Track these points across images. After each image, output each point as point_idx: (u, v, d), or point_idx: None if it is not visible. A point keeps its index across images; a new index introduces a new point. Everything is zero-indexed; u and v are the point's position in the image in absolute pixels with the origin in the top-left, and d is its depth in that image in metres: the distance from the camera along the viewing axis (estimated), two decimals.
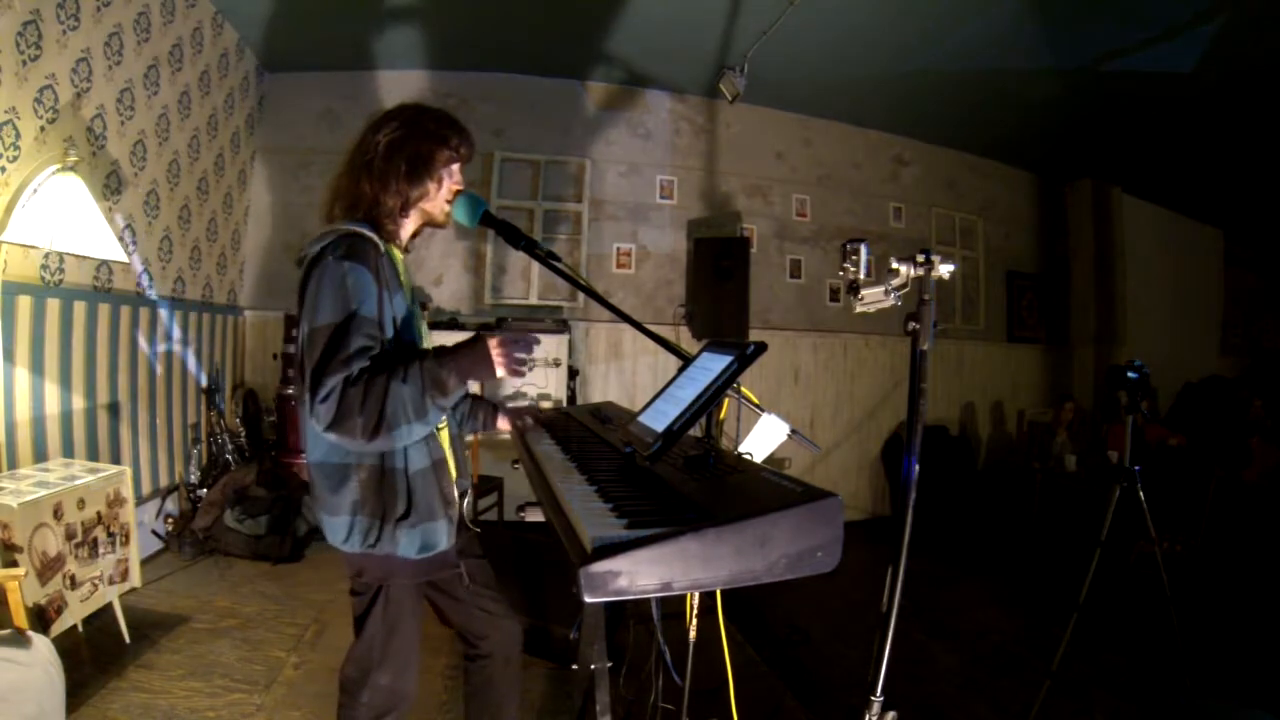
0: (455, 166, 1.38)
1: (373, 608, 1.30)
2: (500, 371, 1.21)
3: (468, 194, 1.40)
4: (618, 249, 4.99)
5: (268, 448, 4.22)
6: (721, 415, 1.48)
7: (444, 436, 1.39)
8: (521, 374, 1.24)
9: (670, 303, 5.01)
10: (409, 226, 1.38)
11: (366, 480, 1.23)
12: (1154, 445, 4.29)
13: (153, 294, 3.47)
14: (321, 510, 1.27)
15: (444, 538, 1.29)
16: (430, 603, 1.47)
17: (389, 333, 1.23)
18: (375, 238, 1.25)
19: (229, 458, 3.93)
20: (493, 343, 1.21)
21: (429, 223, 1.40)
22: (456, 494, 1.37)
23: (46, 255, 2.68)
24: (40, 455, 2.66)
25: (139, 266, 3.36)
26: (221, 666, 2.39)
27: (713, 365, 1.22)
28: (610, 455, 1.34)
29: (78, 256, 2.74)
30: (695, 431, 1.20)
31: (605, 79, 4.93)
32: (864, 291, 1.11)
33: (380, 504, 1.23)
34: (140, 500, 3.29)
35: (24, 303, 2.59)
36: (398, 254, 1.36)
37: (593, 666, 1.70)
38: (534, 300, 4.79)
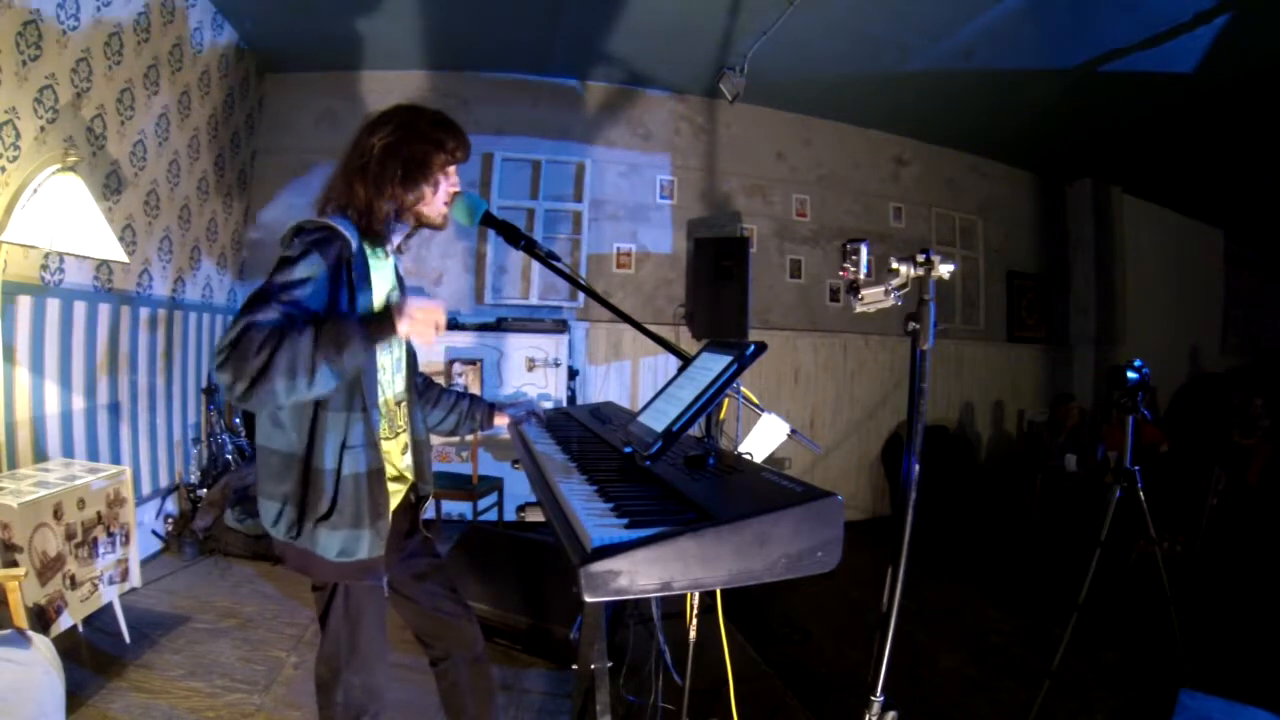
0: (452, 169, 1.38)
1: (332, 604, 1.30)
2: (402, 325, 1.18)
3: (467, 195, 1.40)
4: (618, 249, 4.99)
5: None
6: (721, 415, 1.48)
7: (394, 445, 1.40)
8: (429, 337, 1.21)
9: (670, 303, 5.00)
10: (403, 230, 1.38)
11: (298, 474, 1.24)
12: (1147, 447, 4.27)
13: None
14: (259, 492, 1.29)
15: (364, 548, 1.26)
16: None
17: None
18: (349, 236, 1.25)
19: (229, 458, 3.93)
20: (407, 301, 1.21)
21: (425, 225, 1.39)
22: (391, 506, 1.33)
23: (46, 255, 2.68)
24: (40, 455, 2.66)
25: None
26: (221, 666, 2.39)
27: (712, 365, 1.22)
28: (610, 455, 1.34)
29: (78, 256, 2.74)
30: (695, 431, 1.20)
31: (605, 79, 4.92)
32: (864, 291, 1.11)
33: (305, 499, 1.24)
34: (140, 500, 3.29)
35: (24, 303, 2.59)
36: (382, 256, 1.36)
37: (593, 666, 1.70)
38: (534, 300, 4.79)
